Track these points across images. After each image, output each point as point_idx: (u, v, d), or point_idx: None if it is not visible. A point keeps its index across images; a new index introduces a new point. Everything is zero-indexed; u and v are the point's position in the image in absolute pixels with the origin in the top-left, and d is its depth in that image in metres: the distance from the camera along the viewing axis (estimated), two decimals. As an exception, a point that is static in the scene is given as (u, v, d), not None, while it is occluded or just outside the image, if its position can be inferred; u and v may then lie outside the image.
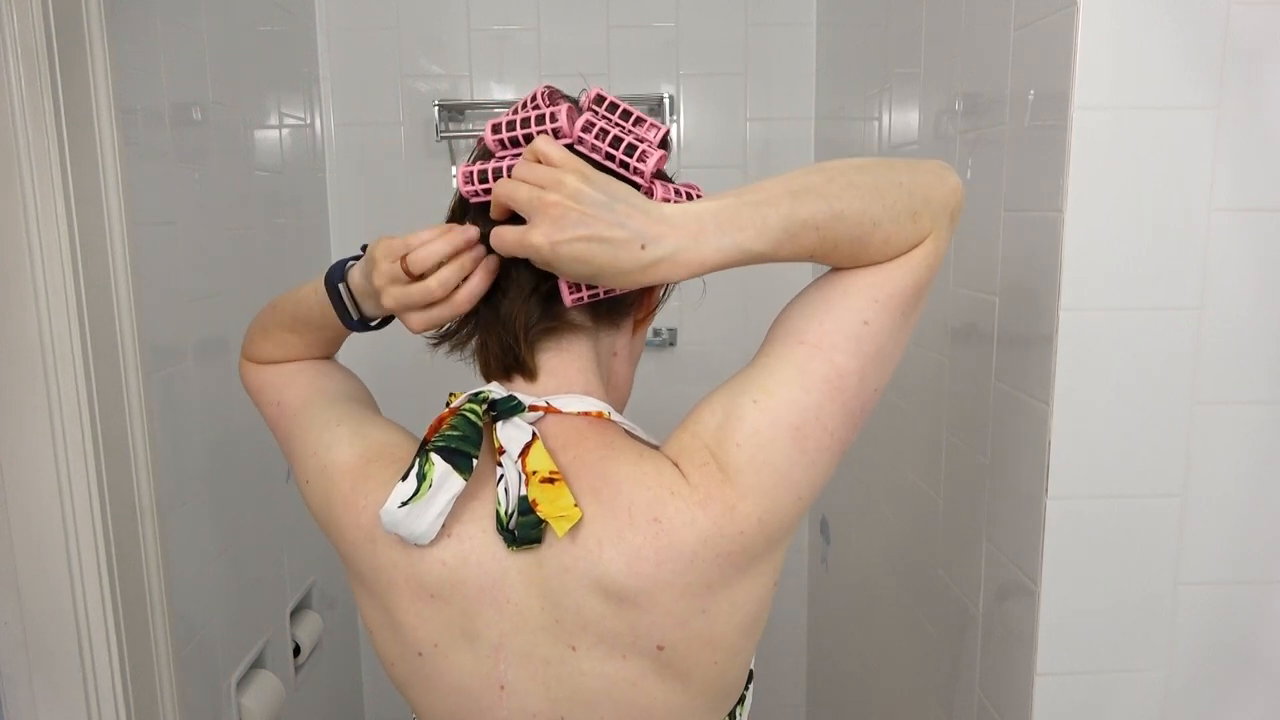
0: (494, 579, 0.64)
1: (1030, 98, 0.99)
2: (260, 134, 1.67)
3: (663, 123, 0.69)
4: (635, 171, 0.65)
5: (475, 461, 0.63)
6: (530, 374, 0.69)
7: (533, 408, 0.66)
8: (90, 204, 1.08)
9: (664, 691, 0.65)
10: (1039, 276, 0.96)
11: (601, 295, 0.66)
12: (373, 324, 0.86)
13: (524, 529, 0.62)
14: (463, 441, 0.63)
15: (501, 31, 1.98)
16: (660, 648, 0.63)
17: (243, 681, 1.52)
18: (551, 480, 0.62)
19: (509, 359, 0.69)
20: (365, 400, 0.89)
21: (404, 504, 0.62)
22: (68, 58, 1.04)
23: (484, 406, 0.65)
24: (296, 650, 1.76)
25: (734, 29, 1.98)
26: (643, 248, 0.59)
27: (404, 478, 0.62)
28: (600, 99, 0.69)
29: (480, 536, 0.65)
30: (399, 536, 0.64)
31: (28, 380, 1.04)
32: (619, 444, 0.66)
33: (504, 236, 0.61)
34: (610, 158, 0.65)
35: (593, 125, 0.67)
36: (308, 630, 1.80)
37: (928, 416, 1.32)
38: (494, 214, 0.65)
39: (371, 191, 2.02)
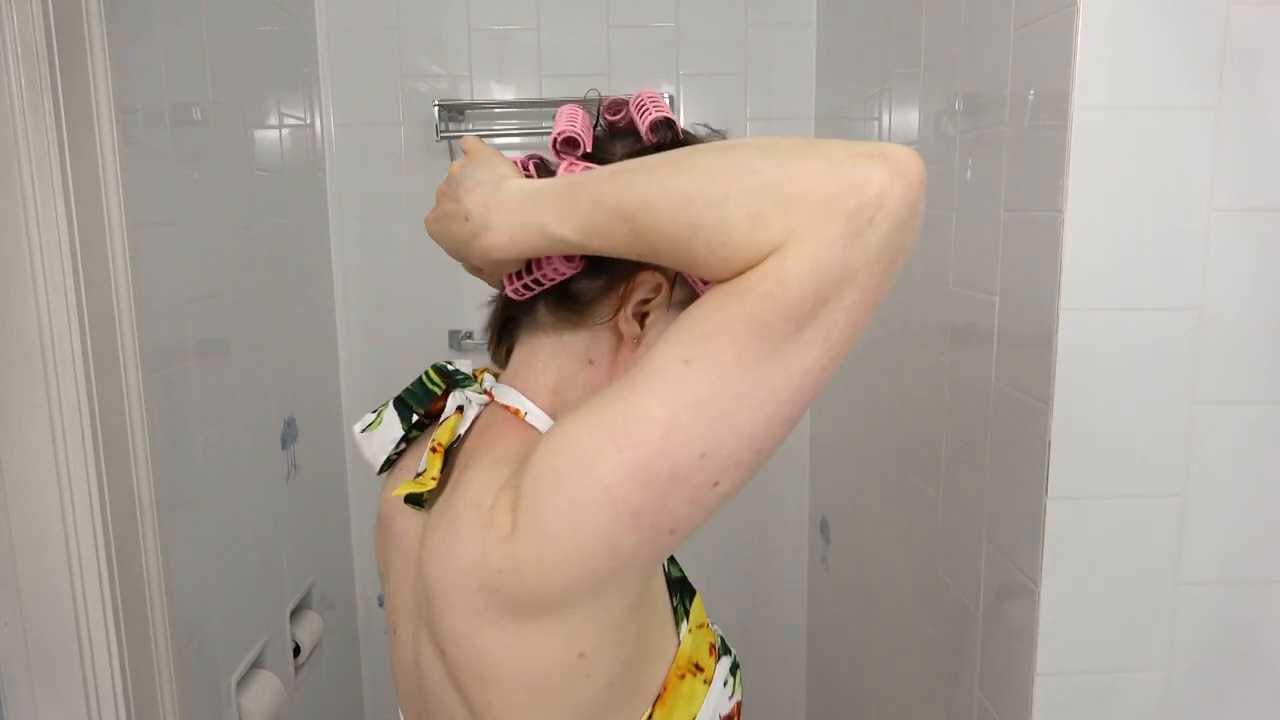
0: (401, 526, 0.69)
1: (1030, 98, 0.99)
2: (260, 134, 1.67)
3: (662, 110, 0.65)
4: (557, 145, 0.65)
5: (415, 416, 0.70)
6: (501, 364, 0.72)
7: (487, 392, 0.68)
8: (90, 204, 1.08)
9: (456, 700, 0.60)
10: (1039, 276, 0.96)
11: (543, 284, 0.64)
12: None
13: (409, 488, 0.65)
14: (411, 397, 0.71)
15: (501, 31, 1.98)
16: (443, 653, 0.59)
17: (243, 681, 1.52)
18: (435, 450, 0.64)
19: (491, 349, 0.73)
20: None
21: (363, 430, 0.72)
22: (68, 58, 1.04)
23: (439, 375, 0.71)
24: (296, 650, 1.76)
25: (734, 29, 1.98)
26: (466, 220, 0.58)
27: (374, 410, 0.73)
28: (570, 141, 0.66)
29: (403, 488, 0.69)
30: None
31: (28, 380, 1.04)
32: (503, 444, 0.62)
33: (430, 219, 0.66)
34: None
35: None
36: (308, 630, 1.80)
37: (928, 416, 1.32)
38: None
39: (371, 191, 2.02)
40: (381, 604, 2.19)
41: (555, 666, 0.55)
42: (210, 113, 1.46)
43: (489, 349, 0.74)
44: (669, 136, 0.65)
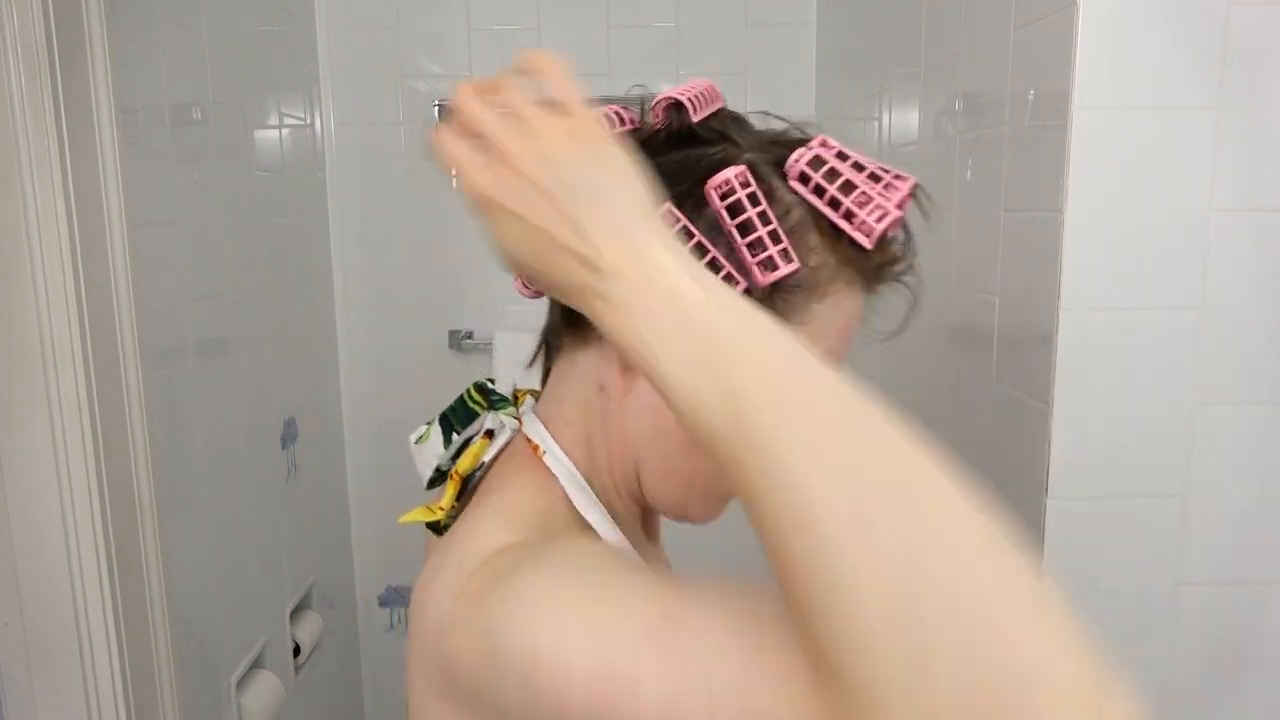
0: (431, 543, 0.64)
1: (1030, 98, 0.99)
2: (260, 134, 1.67)
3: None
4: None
5: (457, 435, 0.64)
6: (545, 380, 0.64)
7: (519, 418, 0.62)
8: (90, 204, 1.08)
9: None
10: (1039, 276, 0.96)
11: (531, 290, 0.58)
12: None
13: (421, 516, 0.62)
14: (453, 414, 0.65)
15: (501, 31, 1.98)
16: (406, 700, 0.55)
17: (243, 681, 1.52)
18: (452, 477, 0.61)
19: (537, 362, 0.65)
20: None
21: (415, 441, 0.66)
22: (68, 58, 1.04)
23: (480, 394, 0.65)
24: (296, 650, 1.76)
25: (734, 29, 1.98)
26: (585, 265, 0.41)
27: (427, 421, 0.67)
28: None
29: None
30: None
31: (28, 380, 1.04)
32: (512, 489, 0.56)
33: (447, 146, 0.45)
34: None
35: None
36: (308, 630, 1.80)
37: (928, 416, 1.32)
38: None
39: (371, 191, 2.02)
40: (381, 604, 2.19)
41: None
42: (210, 113, 1.46)
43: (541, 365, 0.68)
44: (677, 121, 0.57)
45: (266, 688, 1.56)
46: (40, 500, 1.06)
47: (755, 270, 0.52)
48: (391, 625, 2.20)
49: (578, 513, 0.56)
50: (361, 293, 2.06)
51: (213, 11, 1.47)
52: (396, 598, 2.19)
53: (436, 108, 1.91)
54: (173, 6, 1.34)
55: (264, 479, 1.65)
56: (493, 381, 0.66)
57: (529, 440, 0.59)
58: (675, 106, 0.57)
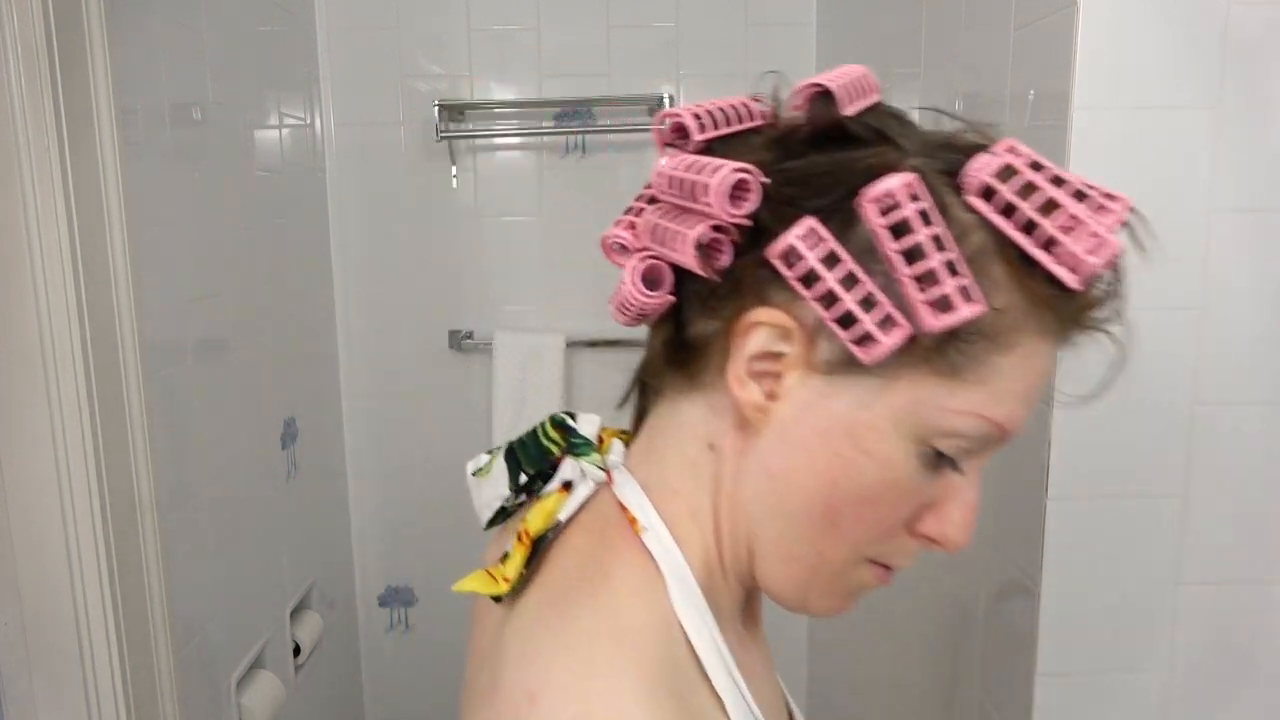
0: (484, 605, 0.54)
1: (1030, 98, 0.99)
2: (260, 134, 1.67)
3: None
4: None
5: (525, 476, 0.52)
6: (636, 426, 0.53)
7: (607, 472, 0.50)
8: (90, 204, 1.08)
9: None
10: (1039, 276, 0.96)
11: (630, 308, 0.47)
12: None
13: (482, 587, 0.50)
14: (521, 451, 0.52)
15: (501, 31, 1.98)
16: None
17: (243, 681, 1.52)
18: (521, 540, 0.47)
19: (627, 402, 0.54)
20: None
21: (474, 473, 0.55)
22: (68, 58, 1.04)
23: (558, 430, 0.52)
24: (296, 650, 1.76)
25: (734, 29, 1.98)
26: None
27: (488, 451, 0.55)
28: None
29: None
30: None
31: (28, 380, 1.04)
32: (613, 586, 0.44)
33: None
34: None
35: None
36: (308, 630, 1.80)
37: (928, 416, 1.32)
38: None
39: (371, 191, 2.02)
40: (381, 604, 2.19)
41: None
42: (210, 113, 1.46)
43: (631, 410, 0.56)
44: (824, 115, 0.46)
45: (266, 688, 1.56)
46: (40, 500, 1.06)
47: (924, 311, 0.40)
48: (391, 625, 2.20)
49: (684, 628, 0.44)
50: (361, 293, 2.06)
51: (213, 11, 1.47)
52: (396, 598, 2.19)
53: (436, 108, 1.91)
54: (173, 6, 1.34)
55: (264, 479, 1.65)
56: (573, 416, 0.53)
57: (624, 508, 0.48)
58: (822, 96, 0.46)
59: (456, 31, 1.98)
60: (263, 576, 1.63)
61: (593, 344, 2.00)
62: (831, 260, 0.41)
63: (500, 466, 0.53)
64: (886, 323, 0.40)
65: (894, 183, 0.40)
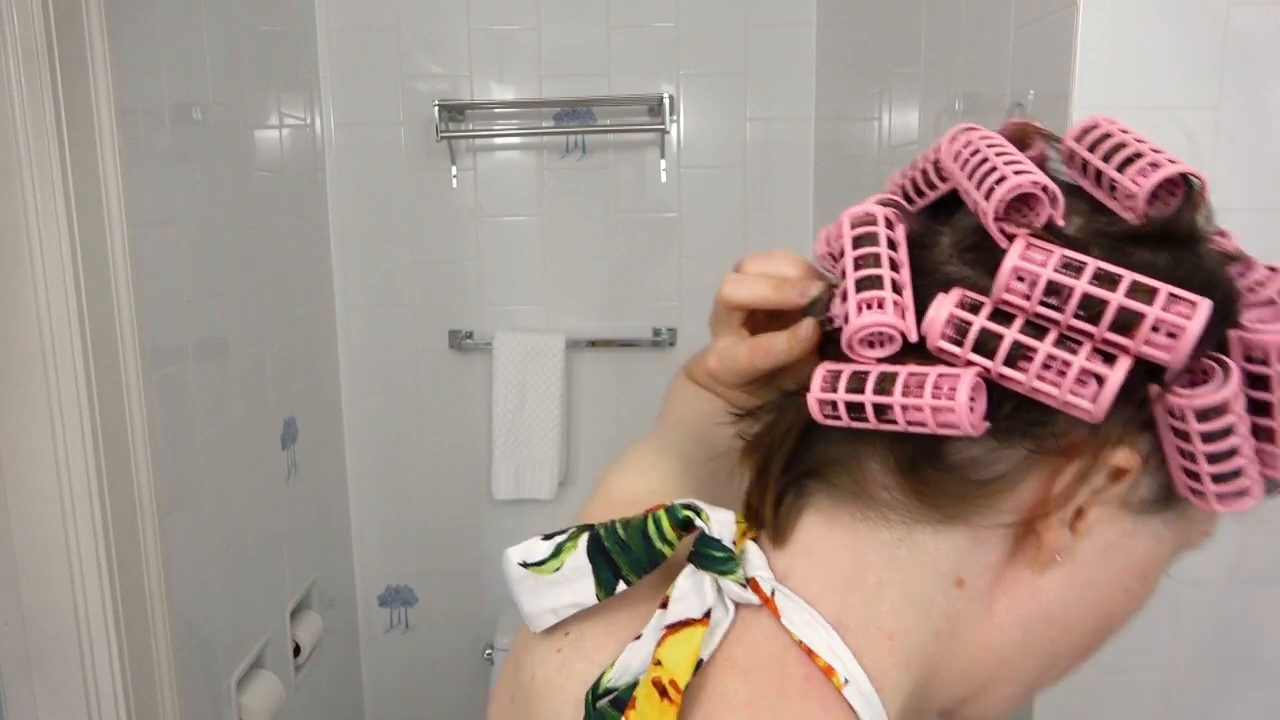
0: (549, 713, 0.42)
1: (1030, 98, 0.99)
2: (260, 134, 1.67)
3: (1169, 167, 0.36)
4: (982, 214, 0.36)
5: (623, 586, 0.41)
6: (774, 534, 0.41)
7: (754, 585, 0.39)
8: (90, 204, 1.08)
9: None
10: (1039, 276, 0.96)
11: (875, 420, 0.36)
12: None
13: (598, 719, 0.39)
14: (621, 551, 0.41)
15: (501, 31, 1.98)
16: None
17: (243, 681, 1.52)
18: (665, 692, 0.37)
19: (750, 499, 0.43)
20: (725, 468, 0.54)
21: (526, 565, 0.43)
22: (68, 58, 1.04)
23: (681, 531, 0.41)
24: (296, 650, 1.76)
25: (734, 29, 1.98)
26: None
27: (547, 536, 0.43)
28: (1085, 131, 0.38)
29: (579, 684, 0.41)
30: None
31: (28, 380, 1.04)
32: None
33: None
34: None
35: (969, 146, 0.38)
36: (308, 630, 1.80)
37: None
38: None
39: (371, 191, 2.02)
40: (381, 604, 2.19)
41: None
42: (210, 113, 1.46)
43: (753, 487, 0.43)
44: (1181, 225, 0.37)
45: (266, 688, 1.56)
46: (40, 500, 1.06)
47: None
48: (391, 625, 2.20)
49: None
50: (361, 293, 2.06)
51: (213, 11, 1.47)
52: (396, 598, 2.19)
53: (436, 108, 1.91)
54: (173, 6, 1.34)
55: (264, 479, 1.65)
56: (699, 514, 0.40)
57: (811, 653, 0.37)
58: (1183, 186, 0.37)
59: (456, 31, 1.98)
60: (263, 576, 1.63)
61: (593, 344, 2.01)
62: (1226, 409, 0.35)
63: (581, 565, 0.41)
64: (1254, 477, 0.37)
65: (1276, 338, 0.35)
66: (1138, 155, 0.36)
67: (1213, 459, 0.35)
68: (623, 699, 0.38)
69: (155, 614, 1.20)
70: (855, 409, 0.36)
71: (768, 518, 0.41)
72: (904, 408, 0.35)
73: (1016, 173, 0.35)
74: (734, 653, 0.38)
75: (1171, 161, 0.36)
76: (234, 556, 1.51)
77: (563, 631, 0.43)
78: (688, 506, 0.41)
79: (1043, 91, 0.96)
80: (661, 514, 0.41)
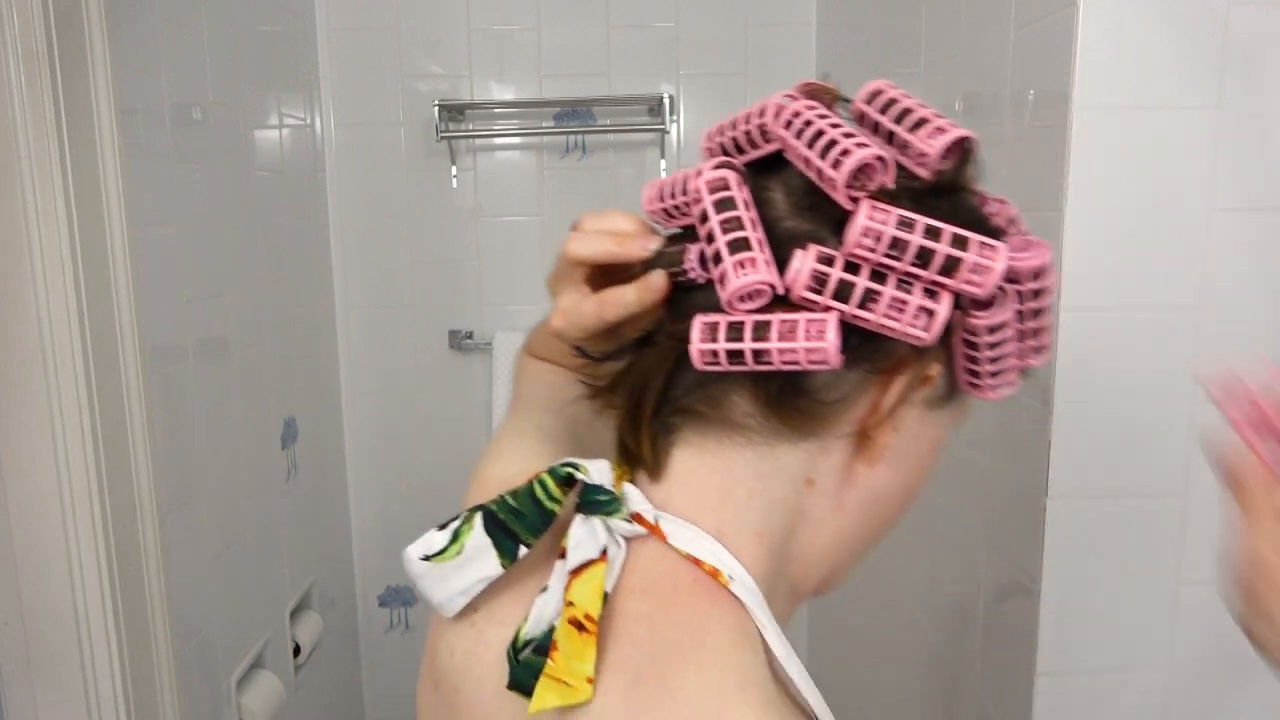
0: (486, 711, 0.46)
1: (1030, 98, 0.99)
2: (260, 134, 1.67)
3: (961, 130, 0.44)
4: (828, 183, 0.43)
5: (525, 549, 0.46)
6: (650, 469, 0.47)
7: (638, 518, 0.45)
8: (90, 204, 1.08)
9: None
10: (1039, 276, 0.96)
11: (753, 363, 0.42)
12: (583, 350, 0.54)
13: (526, 671, 0.42)
14: (515, 518, 0.46)
15: (501, 31, 1.98)
16: None
17: (243, 681, 1.52)
18: (582, 626, 0.42)
19: (625, 441, 0.48)
20: (577, 424, 0.63)
21: (427, 557, 0.47)
22: (68, 58, 1.04)
23: (568, 486, 0.46)
24: (296, 650, 1.76)
25: (734, 29, 1.98)
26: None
27: (441, 526, 0.47)
28: (874, 94, 0.46)
29: (498, 648, 0.45)
30: None
31: (28, 380, 1.04)
32: (717, 639, 0.42)
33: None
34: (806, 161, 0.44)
35: (798, 116, 0.44)
36: (308, 630, 1.80)
37: (928, 416, 1.32)
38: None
39: (371, 191, 2.02)
40: (381, 604, 2.19)
41: None
42: (210, 113, 1.46)
43: (619, 438, 0.49)
44: (957, 177, 0.45)
45: (266, 688, 1.56)
46: (40, 500, 1.06)
47: (1034, 357, 0.49)
48: (391, 625, 2.20)
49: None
50: (361, 293, 2.06)
51: (213, 11, 1.47)
52: (396, 598, 2.19)
53: (436, 108, 1.91)
54: (173, 6, 1.34)
55: (264, 479, 1.65)
56: (578, 468, 0.46)
57: (698, 562, 0.44)
58: (961, 145, 0.45)
59: (456, 31, 1.98)
60: (263, 576, 1.63)
61: (593, 344, 2.00)
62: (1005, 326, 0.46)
63: (481, 542, 0.46)
64: (1015, 370, 0.48)
65: (1042, 261, 0.45)
66: (925, 120, 0.44)
67: (992, 361, 0.46)
68: (543, 645, 0.42)
69: (155, 614, 1.20)
70: (735, 355, 0.42)
71: (646, 457, 0.47)
72: (780, 351, 0.42)
73: (858, 145, 0.42)
74: (631, 579, 0.44)
75: (953, 125, 0.44)
76: (234, 556, 1.51)
77: (472, 609, 0.47)
78: (566, 464, 0.46)
79: (1043, 91, 0.96)
80: (545, 476, 0.46)
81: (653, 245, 0.48)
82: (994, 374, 0.47)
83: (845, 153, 0.42)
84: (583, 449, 0.58)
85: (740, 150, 0.48)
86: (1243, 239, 0.91)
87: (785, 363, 0.42)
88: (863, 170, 0.42)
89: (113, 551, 1.10)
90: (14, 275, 1.02)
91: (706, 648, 0.42)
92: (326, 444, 2.00)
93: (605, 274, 0.50)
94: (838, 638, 1.95)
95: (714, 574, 0.44)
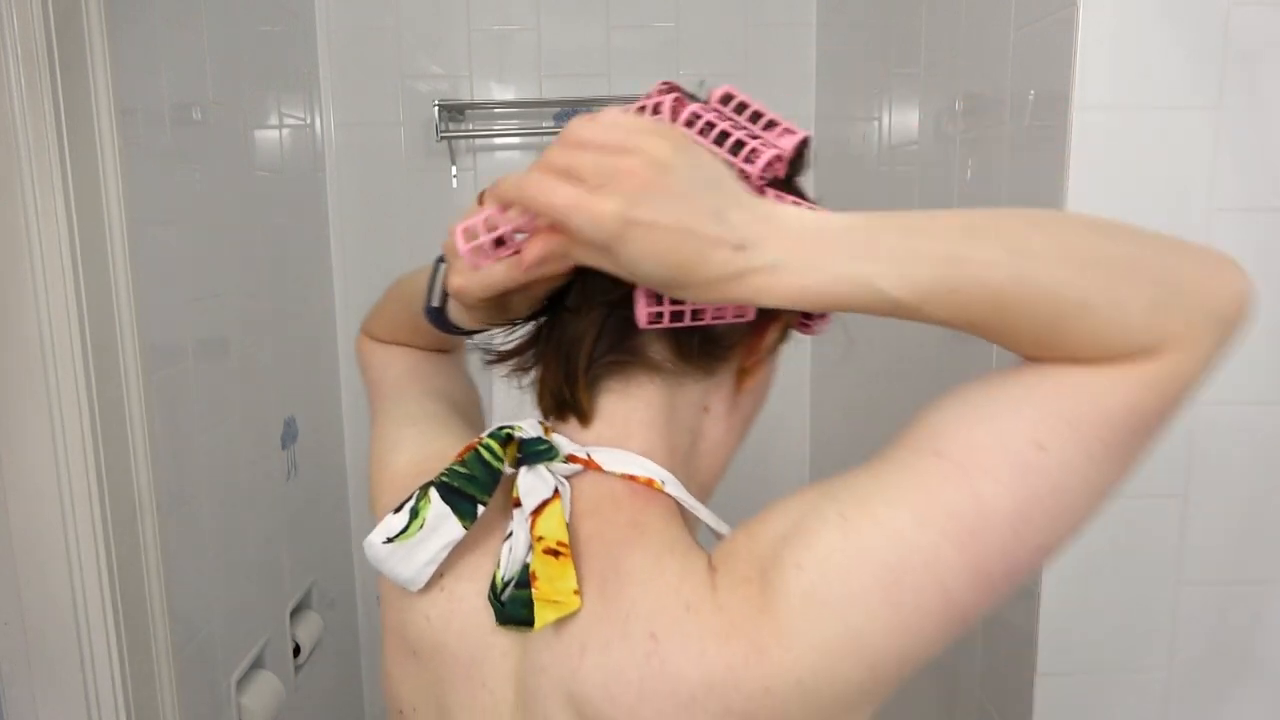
0: (474, 655, 0.54)
1: (1030, 98, 0.99)
2: (260, 134, 1.67)
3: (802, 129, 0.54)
4: (741, 175, 0.50)
5: (482, 508, 0.52)
6: (584, 416, 0.56)
7: (572, 458, 0.54)
8: (90, 204, 1.08)
9: None
10: (1039, 276, 0.96)
11: (690, 320, 0.51)
12: (457, 326, 0.63)
13: (515, 605, 0.49)
14: (469, 482, 0.52)
15: (501, 31, 1.98)
16: None
17: (243, 681, 1.52)
18: (556, 553, 0.49)
19: (562, 394, 0.56)
20: (462, 407, 0.73)
21: (390, 540, 0.52)
22: (68, 58, 1.04)
23: (507, 445, 0.53)
24: (296, 650, 1.76)
25: (734, 29, 1.98)
26: (737, 249, 0.43)
27: (397, 509, 0.53)
28: (728, 97, 0.55)
29: (473, 599, 0.54)
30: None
31: (28, 380, 1.04)
32: (652, 525, 0.52)
33: (551, 194, 0.44)
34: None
35: (699, 118, 0.53)
36: (308, 630, 1.80)
37: (928, 416, 1.32)
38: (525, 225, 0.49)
39: (371, 191, 2.02)
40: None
41: None
42: (210, 113, 1.46)
43: (544, 396, 0.58)
44: (800, 170, 0.57)
45: (266, 688, 1.56)
46: (40, 500, 1.06)
47: None
48: (391, 625, 2.20)
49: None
50: (361, 293, 2.06)
51: (213, 11, 1.47)
52: (396, 598, 2.18)
53: (436, 108, 1.91)
54: (173, 6, 1.34)
55: (264, 479, 1.65)
56: (514, 429, 0.55)
57: (633, 477, 0.53)
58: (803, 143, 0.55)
59: (456, 31, 1.98)
60: (263, 576, 1.63)
61: (593, 344, 2.00)
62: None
63: (439, 511, 0.52)
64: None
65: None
66: (774, 121, 0.54)
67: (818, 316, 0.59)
68: (523, 579, 0.50)
69: (155, 614, 1.20)
70: (677, 315, 0.51)
71: (584, 405, 0.55)
72: (714, 310, 0.52)
73: (763, 145, 0.51)
74: (580, 505, 0.53)
75: (797, 126, 0.54)
76: (234, 556, 1.51)
77: (439, 574, 0.54)
78: (503, 428, 0.54)
79: (1043, 91, 0.96)
80: (487, 440, 0.53)
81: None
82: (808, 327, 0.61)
83: (754, 151, 0.51)
84: (469, 421, 0.70)
85: None
86: (1243, 239, 0.92)
87: (715, 318, 0.52)
88: (768, 165, 0.52)
89: (112, 551, 1.10)
90: (14, 275, 1.02)
91: (646, 534, 0.51)
92: (326, 444, 2.00)
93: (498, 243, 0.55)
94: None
95: (649, 483, 0.53)
